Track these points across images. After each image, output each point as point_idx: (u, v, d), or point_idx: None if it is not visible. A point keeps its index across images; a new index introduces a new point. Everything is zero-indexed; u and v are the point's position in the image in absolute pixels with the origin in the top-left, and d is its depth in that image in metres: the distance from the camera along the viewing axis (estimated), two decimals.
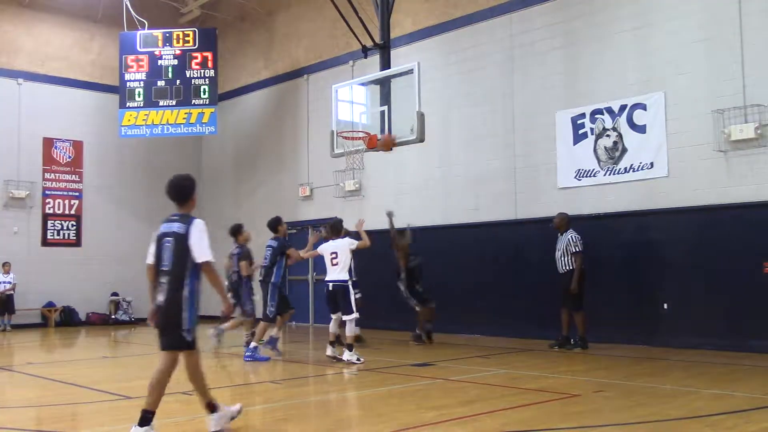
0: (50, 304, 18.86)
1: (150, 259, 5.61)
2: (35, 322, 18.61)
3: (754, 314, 10.50)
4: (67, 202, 19.42)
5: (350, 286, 10.24)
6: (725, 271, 10.85)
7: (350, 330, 10.16)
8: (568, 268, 11.22)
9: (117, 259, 19.84)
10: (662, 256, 11.56)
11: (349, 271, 10.47)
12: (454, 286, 13.81)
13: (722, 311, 10.80)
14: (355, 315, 10.16)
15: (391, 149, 11.73)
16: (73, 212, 19.49)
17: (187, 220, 5.61)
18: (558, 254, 11.38)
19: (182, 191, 5.74)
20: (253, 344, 10.78)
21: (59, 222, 19.27)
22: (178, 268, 5.49)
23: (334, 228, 10.80)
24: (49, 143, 19.20)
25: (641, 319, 11.68)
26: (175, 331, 5.58)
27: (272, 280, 10.78)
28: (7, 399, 8.14)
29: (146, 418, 5.60)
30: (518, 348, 11.63)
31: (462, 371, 9.37)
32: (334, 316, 10.47)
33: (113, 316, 19.54)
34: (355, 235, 10.66)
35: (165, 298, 5.51)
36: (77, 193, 19.60)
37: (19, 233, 18.61)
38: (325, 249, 10.49)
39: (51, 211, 19.16)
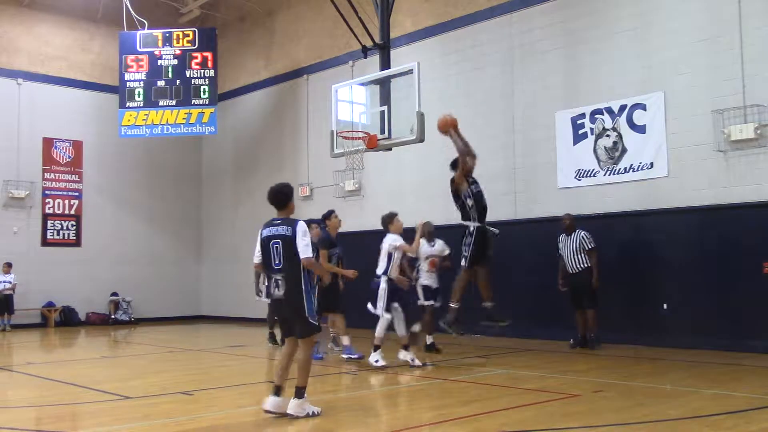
0: (50, 304, 18.86)
1: (256, 259, 6.62)
2: (35, 322, 18.60)
3: (753, 314, 10.50)
4: (66, 202, 19.41)
5: (382, 283, 9.62)
6: (725, 271, 10.85)
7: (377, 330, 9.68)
8: (582, 267, 11.23)
9: (117, 259, 19.85)
10: (662, 256, 11.56)
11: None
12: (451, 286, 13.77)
13: (722, 311, 10.80)
14: (380, 313, 9.56)
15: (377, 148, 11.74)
16: (72, 212, 19.49)
17: (293, 221, 6.48)
18: (568, 254, 11.36)
19: (282, 198, 6.61)
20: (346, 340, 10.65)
21: (59, 222, 19.26)
22: (287, 265, 6.40)
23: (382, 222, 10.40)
24: (48, 143, 19.20)
25: (641, 319, 11.68)
26: (300, 320, 6.42)
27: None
28: (8, 399, 8.14)
29: (300, 391, 6.42)
30: (518, 348, 11.63)
31: (461, 371, 9.37)
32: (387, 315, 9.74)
33: (113, 316, 19.54)
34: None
35: (284, 292, 6.42)
36: (77, 193, 19.60)
37: (18, 233, 18.60)
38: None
39: (51, 211, 19.15)
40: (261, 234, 6.54)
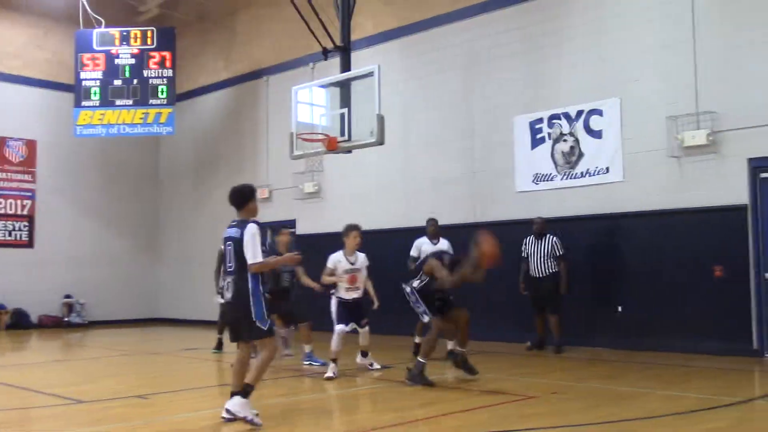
0: (0, 307, 18.41)
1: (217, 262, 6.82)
2: None
3: (705, 317, 10.73)
4: (19, 202, 19.00)
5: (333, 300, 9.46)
6: (678, 274, 11.06)
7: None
8: (549, 272, 11.30)
9: (71, 260, 19.47)
10: (617, 260, 11.74)
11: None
12: None
13: (675, 314, 11.01)
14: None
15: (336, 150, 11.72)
16: (25, 213, 19.07)
17: (245, 223, 6.37)
18: (536, 258, 11.40)
19: (239, 198, 6.51)
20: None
21: (11, 223, 18.83)
22: (236, 268, 6.30)
23: None
24: (0, 142, 18.78)
25: (597, 321, 11.85)
26: (247, 323, 6.26)
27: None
28: None
29: (246, 390, 6.30)
30: (475, 350, 11.67)
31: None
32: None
33: (66, 319, 19.16)
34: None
35: (232, 295, 6.34)
36: (30, 194, 19.19)
37: None
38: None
39: (2, 212, 18.71)
40: (223, 235, 6.55)
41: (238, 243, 6.27)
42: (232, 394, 6.31)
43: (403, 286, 8.83)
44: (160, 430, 6.12)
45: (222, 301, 7.87)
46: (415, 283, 8.64)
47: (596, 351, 11.37)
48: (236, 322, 6.43)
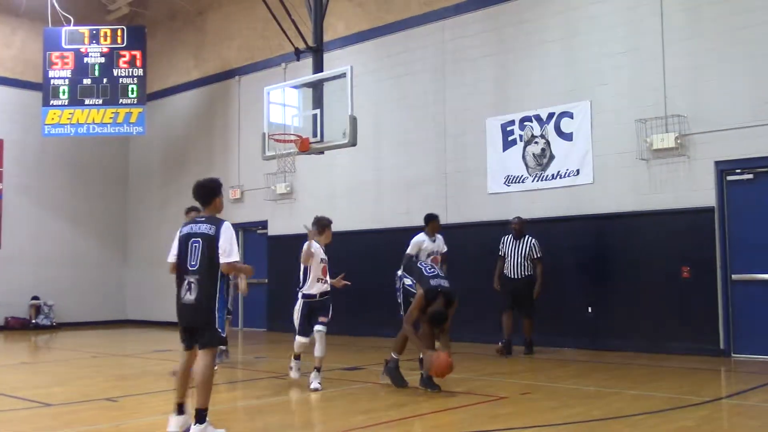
0: None
1: (171, 258, 5.96)
2: None
3: (673, 317, 10.88)
4: None
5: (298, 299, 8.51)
6: (646, 275, 11.21)
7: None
8: (526, 274, 11.17)
9: (39, 261, 19.19)
10: (587, 261, 11.86)
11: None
12: (384, 289, 13.82)
13: (643, 314, 11.15)
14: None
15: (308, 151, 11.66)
16: None
17: (215, 220, 5.96)
18: (513, 259, 11.22)
19: (206, 192, 6.11)
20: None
21: None
22: (203, 268, 5.78)
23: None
24: None
25: (567, 323, 11.96)
26: (208, 328, 5.79)
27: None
28: None
29: (201, 415, 5.68)
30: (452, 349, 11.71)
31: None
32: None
33: (33, 321, 18.88)
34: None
35: (196, 297, 5.76)
36: None
37: None
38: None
39: None
40: (180, 231, 6.00)
41: (210, 240, 5.80)
42: (179, 406, 5.86)
43: (399, 274, 8.67)
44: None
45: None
46: (407, 282, 8.41)
47: (566, 351, 11.48)
48: (196, 327, 5.83)
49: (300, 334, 8.41)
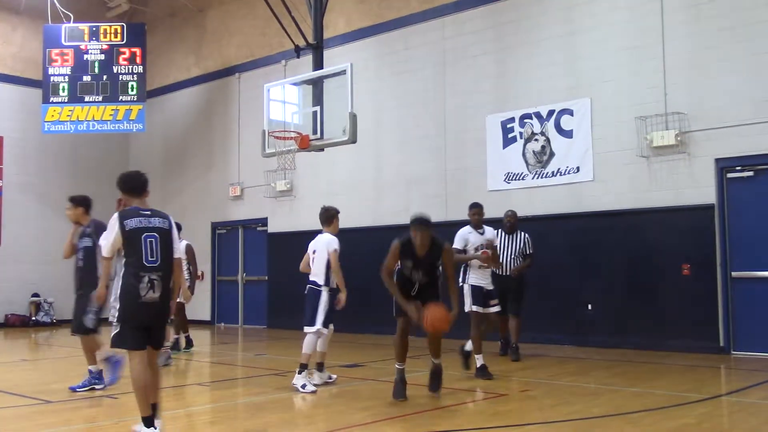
0: None
1: (108, 253, 5.70)
2: None
3: (673, 314, 10.89)
4: None
5: (323, 293, 8.26)
6: (646, 272, 11.21)
7: (306, 346, 8.11)
8: (467, 268, 9.57)
9: (39, 258, 19.18)
10: (587, 259, 11.86)
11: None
12: (383, 287, 13.82)
13: (643, 312, 11.16)
14: (317, 328, 8.11)
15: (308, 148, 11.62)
16: None
17: (163, 215, 5.76)
18: (505, 255, 10.38)
19: (143, 183, 5.89)
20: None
21: None
22: (166, 263, 5.62)
23: (321, 217, 8.96)
24: None
25: (567, 320, 11.96)
26: (164, 328, 5.80)
27: None
28: None
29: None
30: (446, 348, 11.72)
31: (391, 372, 9.37)
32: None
33: (33, 318, 18.89)
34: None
35: (161, 294, 5.56)
36: None
37: None
38: (310, 244, 8.80)
39: None
40: (125, 225, 5.53)
41: (167, 235, 5.65)
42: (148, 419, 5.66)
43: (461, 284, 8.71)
44: (130, 431, 6.06)
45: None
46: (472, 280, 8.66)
47: (566, 349, 11.48)
48: (158, 325, 5.71)
49: (327, 326, 8.22)
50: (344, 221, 13.78)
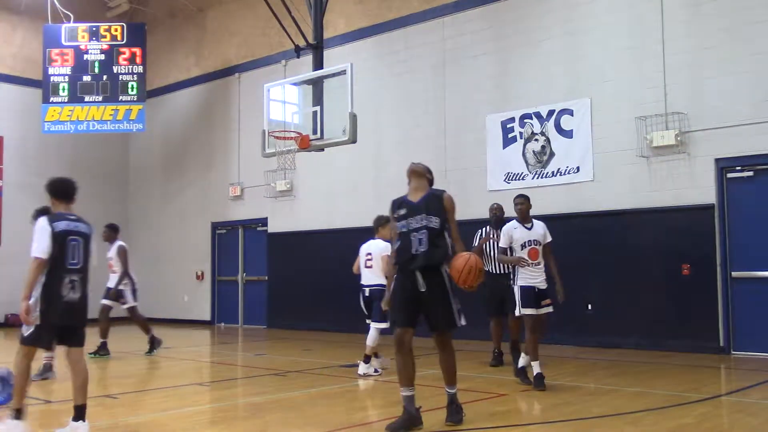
0: None
1: (44, 255, 5.78)
2: None
3: (672, 314, 10.89)
4: None
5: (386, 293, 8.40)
6: (646, 273, 11.21)
7: (373, 339, 8.90)
8: (508, 268, 9.10)
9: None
10: (587, 259, 11.85)
11: None
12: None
13: (643, 312, 11.16)
14: (384, 324, 8.35)
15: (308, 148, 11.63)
16: None
17: (85, 220, 6.10)
18: (494, 252, 9.39)
19: (73, 189, 6.19)
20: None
21: None
22: (86, 266, 6.00)
23: (374, 224, 9.51)
24: None
25: (566, 320, 11.92)
26: (84, 328, 6.07)
27: None
28: None
29: (84, 412, 5.83)
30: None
31: (390, 372, 9.39)
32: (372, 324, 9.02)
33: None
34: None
35: (81, 295, 5.92)
36: None
37: None
38: (362, 249, 9.33)
39: None
40: (53, 227, 5.78)
41: (87, 239, 6.05)
42: (18, 412, 5.77)
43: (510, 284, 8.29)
44: (130, 430, 6.06)
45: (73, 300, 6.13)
46: (522, 281, 7.95)
47: (565, 349, 11.47)
48: (78, 325, 6.03)
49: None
50: (344, 221, 13.87)
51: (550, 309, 8.14)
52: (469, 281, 5.89)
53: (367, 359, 8.97)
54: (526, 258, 7.98)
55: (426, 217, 6.19)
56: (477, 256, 6.12)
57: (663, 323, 10.99)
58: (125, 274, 11.85)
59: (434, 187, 6.62)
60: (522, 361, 8.08)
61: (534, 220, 8.25)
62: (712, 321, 10.54)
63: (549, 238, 8.25)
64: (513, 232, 8.10)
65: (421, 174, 6.55)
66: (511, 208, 9.64)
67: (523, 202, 8.26)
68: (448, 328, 6.07)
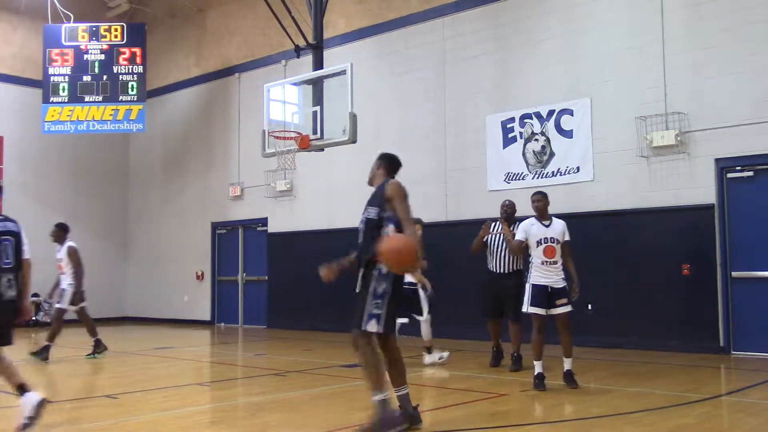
0: None
1: None
2: None
3: (673, 314, 10.90)
4: None
5: (419, 290, 9.60)
6: (646, 273, 11.21)
7: (426, 333, 9.91)
8: (514, 268, 9.25)
9: (38, 259, 18.97)
10: (587, 259, 11.79)
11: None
12: None
13: (643, 312, 11.16)
14: (426, 317, 9.71)
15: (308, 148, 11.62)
16: None
17: (14, 220, 6.27)
18: (501, 250, 9.32)
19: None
20: None
21: None
22: (18, 264, 6.14)
23: None
24: None
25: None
26: (13, 326, 6.28)
27: None
28: None
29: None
30: (447, 348, 11.73)
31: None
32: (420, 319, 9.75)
33: (34, 318, 18.89)
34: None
35: (16, 293, 6.09)
36: None
37: None
38: None
39: None
40: None
41: (18, 237, 6.19)
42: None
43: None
44: (130, 430, 6.06)
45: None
46: (533, 279, 7.84)
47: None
48: (12, 322, 6.26)
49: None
50: (344, 221, 13.89)
51: (566, 309, 7.92)
52: (400, 261, 5.46)
53: (429, 350, 9.83)
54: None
55: (366, 209, 5.92)
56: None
57: (663, 323, 10.99)
58: (82, 274, 11.71)
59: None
60: (538, 366, 7.85)
61: (553, 218, 8.11)
62: (712, 321, 10.55)
63: (567, 237, 8.06)
64: (530, 229, 7.99)
65: (380, 161, 6.15)
66: (517, 208, 9.70)
67: (540, 199, 8.11)
68: (356, 328, 5.79)
